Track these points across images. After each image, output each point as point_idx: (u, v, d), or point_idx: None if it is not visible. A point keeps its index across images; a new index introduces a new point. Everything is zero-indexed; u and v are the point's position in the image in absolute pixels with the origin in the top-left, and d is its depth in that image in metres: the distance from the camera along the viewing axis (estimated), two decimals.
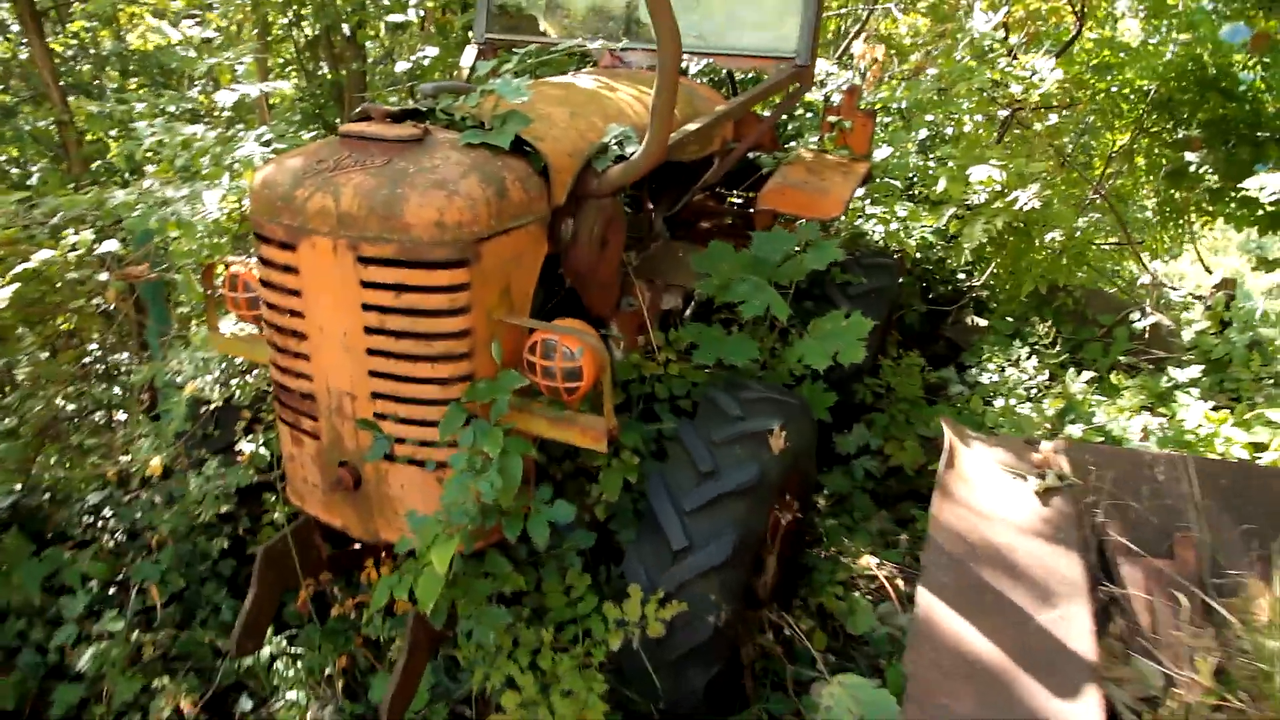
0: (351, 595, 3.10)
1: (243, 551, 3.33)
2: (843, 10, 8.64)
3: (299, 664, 3.02)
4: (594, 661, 2.64)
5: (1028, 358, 4.76)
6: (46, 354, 3.63)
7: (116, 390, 3.71)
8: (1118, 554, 2.45)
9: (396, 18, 5.19)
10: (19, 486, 3.22)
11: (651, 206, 4.00)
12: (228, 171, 3.07)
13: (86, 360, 3.76)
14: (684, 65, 4.25)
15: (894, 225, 5.59)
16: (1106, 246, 6.60)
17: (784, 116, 6.59)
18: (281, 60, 7.25)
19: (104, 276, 3.18)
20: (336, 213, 2.32)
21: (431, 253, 2.30)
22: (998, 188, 5.10)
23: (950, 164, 5.70)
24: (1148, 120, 6.61)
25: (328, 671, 2.98)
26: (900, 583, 3.73)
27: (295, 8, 6.44)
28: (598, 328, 3.32)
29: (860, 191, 5.50)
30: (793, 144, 5.98)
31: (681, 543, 2.69)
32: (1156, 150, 6.71)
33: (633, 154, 2.80)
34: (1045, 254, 5.44)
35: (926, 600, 2.30)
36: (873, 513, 4.14)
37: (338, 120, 6.07)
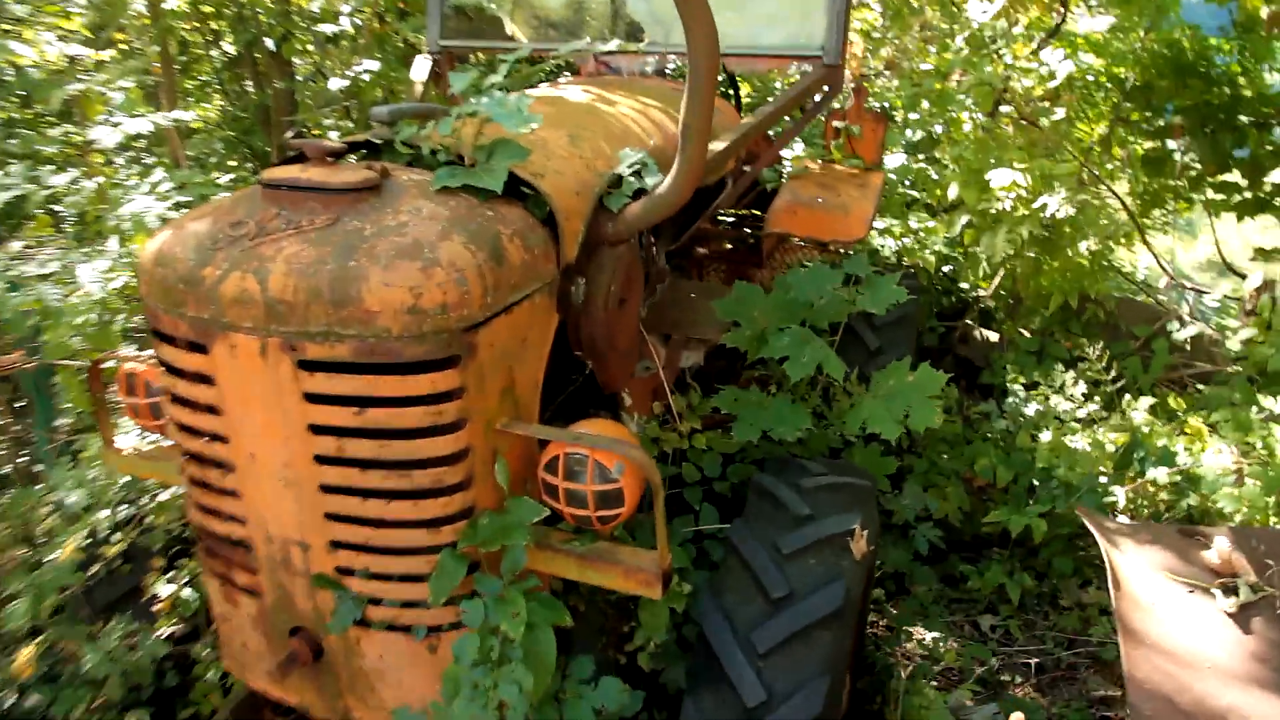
0: None
1: None
2: None
3: None
4: None
5: (1074, 382, 4.20)
6: None
7: None
8: None
9: (328, 28, 4.45)
10: None
11: (654, 240, 3.34)
12: (117, 234, 2.33)
13: None
14: (668, 66, 3.60)
15: (905, 238, 5.03)
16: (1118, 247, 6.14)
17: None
18: (201, 80, 6.42)
19: None
20: (264, 299, 1.61)
21: (406, 350, 1.60)
22: (1023, 193, 4.56)
23: (953, 167, 5.16)
24: (1124, 109, 6.24)
25: None
26: (970, 664, 3.15)
27: (210, 23, 5.63)
28: (612, 405, 2.65)
29: None
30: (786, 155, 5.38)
31: (758, 696, 2.03)
32: (1133, 139, 6.35)
33: (654, 186, 2.14)
34: (1074, 263, 4.91)
35: None
36: (931, 581, 3.54)
37: (268, 149, 5.28)
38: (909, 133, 6.00)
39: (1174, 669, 1.86)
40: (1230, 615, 2.02)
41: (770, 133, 3.60)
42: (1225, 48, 5.53)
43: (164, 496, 2.40)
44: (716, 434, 2.84)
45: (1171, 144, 5.80)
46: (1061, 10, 6.55)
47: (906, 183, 5.64)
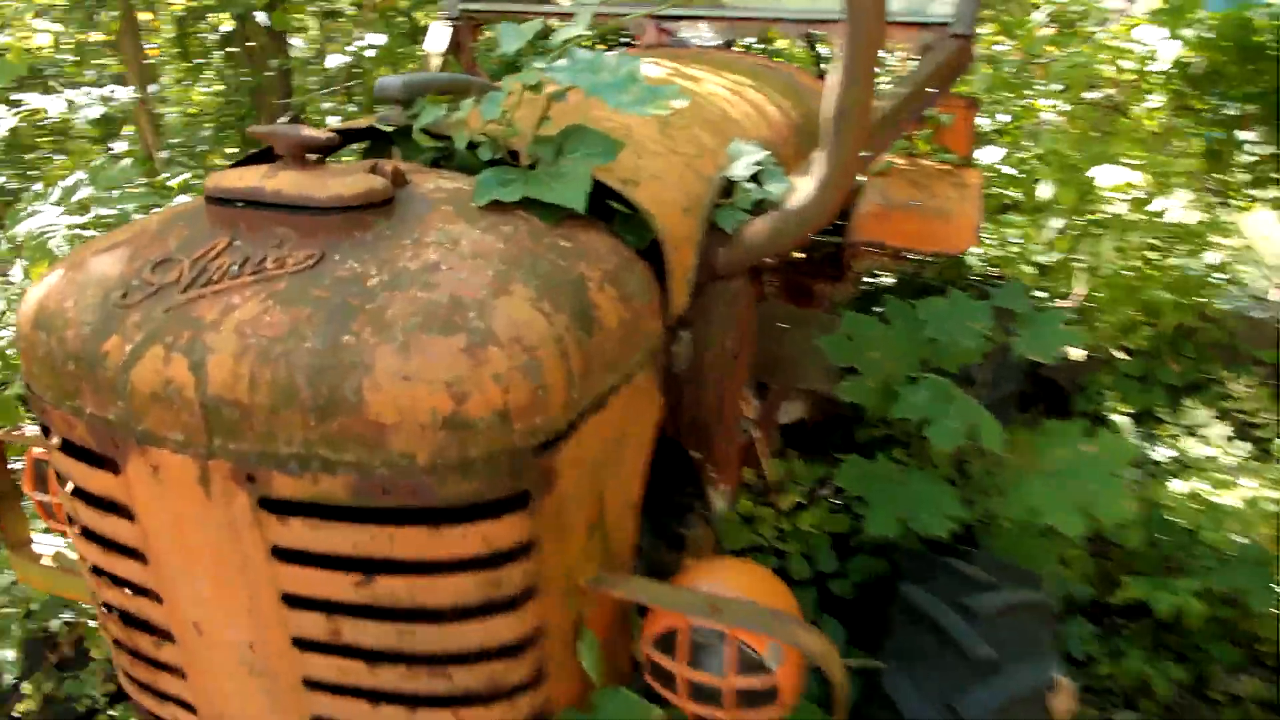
0: None
1: None
2: None
3: None
4: None
5: (1219, 417, 3.53)
6: None
7: None
8: None
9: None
10: None
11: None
12: (19, 257, 1.67)
13: None
14: (742, 40, 2.93)
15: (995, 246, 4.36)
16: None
17: None
18: (197, 62, 5.75)
19: None
20: (200, 397, 0.96)
21: (441, 489, 0.95)
22: (1141, 194, 3.89)
23: (1036, 162, 4.49)
24: (1188, 97, 5.56)
25: None
26: None
27: None
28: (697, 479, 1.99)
29: None
30: None
31: None
32: (1193, 130, 5.70)
33: (783, 196, 1.49)
34: (1185, 274, 4.24)
35: None
36: None
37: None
38: (981, 122, 5.32)
39: None
40: None
41: None
42: None
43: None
44: (824, 510, 2.20)
45: (1242, 135, 5.16)
46: None
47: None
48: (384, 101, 1.41)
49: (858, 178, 2.83)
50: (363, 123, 1.42)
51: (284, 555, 1.00)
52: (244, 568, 1.03)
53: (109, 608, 1.24)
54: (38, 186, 1.97)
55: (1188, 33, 4.32)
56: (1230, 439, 3.47)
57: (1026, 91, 5.04)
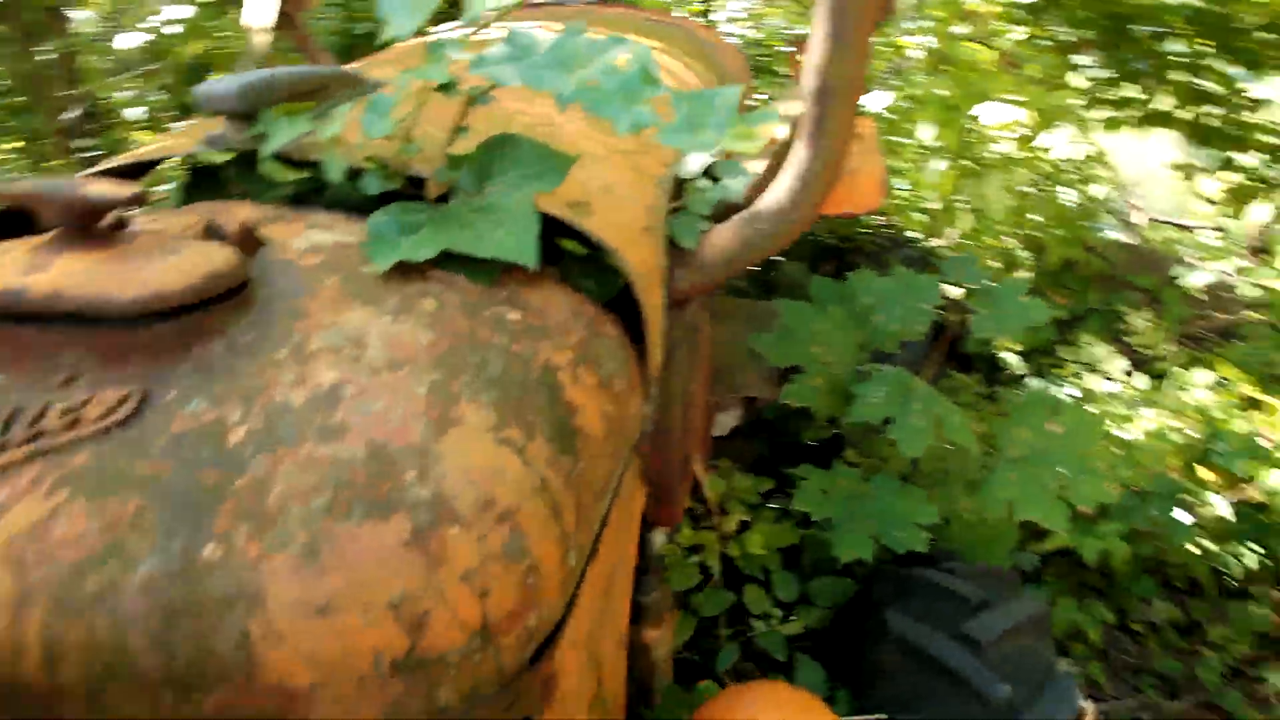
0: None
1: None
2: None
3: None
4: None
5: (1115, 354, 3.55)
6: None
7: None
8: None
9: None
10: None
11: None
12: None
13: None
14: None
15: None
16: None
17: None
18: None
19: None
20: None
21: None
22: (1025, 132, 3.83)
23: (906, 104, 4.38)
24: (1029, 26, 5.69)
25: None
26: None
27: None
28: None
29: None
30: None
31: None
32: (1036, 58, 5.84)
33: (747, 194, 1.20)
34: (1064, 208, 4.27)
35: None
36: None
37: (49, 139, 3.83)
38: None
39: None
40: None
41: None
42: None
43: None
44: (770, 524, 1.96)
45: (1078, 59, 5.28)
46: None
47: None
48: (208, 111, 1.00)
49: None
50: (174, 149, 1.00)
51: None
52: None
53: None
54: None
55: None
56: (1129, 373, 3.49)
57: (887, 30, 4.91)
